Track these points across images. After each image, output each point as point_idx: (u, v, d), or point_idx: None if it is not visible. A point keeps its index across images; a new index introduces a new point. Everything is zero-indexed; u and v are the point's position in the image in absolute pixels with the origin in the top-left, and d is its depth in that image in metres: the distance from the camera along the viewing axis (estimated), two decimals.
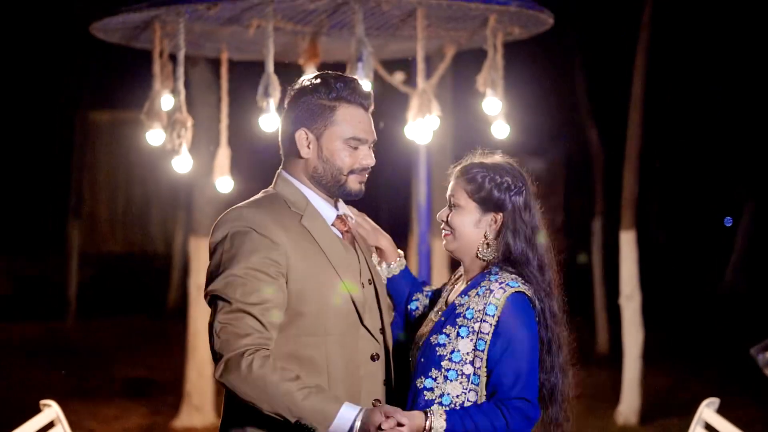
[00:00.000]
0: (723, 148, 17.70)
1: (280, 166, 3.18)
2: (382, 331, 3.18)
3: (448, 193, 3.34)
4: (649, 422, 8.53)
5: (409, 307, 3.54)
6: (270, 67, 5.44)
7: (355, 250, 3.17)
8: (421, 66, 5.73)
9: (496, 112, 6.02)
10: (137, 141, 6.36)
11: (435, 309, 3.38)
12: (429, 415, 3.02)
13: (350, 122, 3.04)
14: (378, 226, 3.48)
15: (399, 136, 6.04)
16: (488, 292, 3.17)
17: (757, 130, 16.32)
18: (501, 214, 3.26)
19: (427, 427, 3.00)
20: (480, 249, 3.27)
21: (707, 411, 5.05)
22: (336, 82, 3.04)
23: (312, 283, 2.98)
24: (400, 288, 3.55)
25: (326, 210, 3.11)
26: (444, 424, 3.01)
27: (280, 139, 3.16)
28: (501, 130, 6.15)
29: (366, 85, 3.11)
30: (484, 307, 3.15)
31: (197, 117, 10.15)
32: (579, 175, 16.01)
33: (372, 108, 3.13)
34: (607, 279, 10.94)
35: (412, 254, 8.47)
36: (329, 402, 2.85)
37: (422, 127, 5.67)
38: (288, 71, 7.14)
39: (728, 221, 19.90)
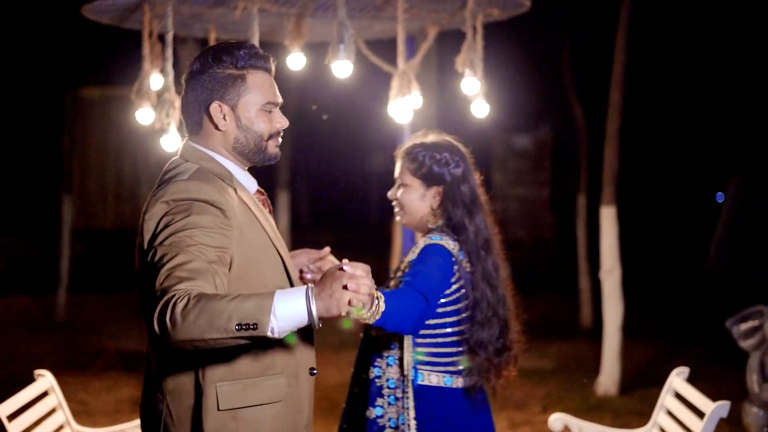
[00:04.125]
0: (710, 123, 17.70)
1: (185, 139, 3.04)
2: None
3: (396, 173, 3.70)
4: (629, 393, 8.58)
5: None
6: None
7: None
8: (401, 47, 5.76)
9: (475, 92, 6.05)
10: (128, 117, 6.34)
11: None
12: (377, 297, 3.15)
13: (261, 88, 2.96)
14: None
15: (386, 115, 6.05)
16: (415, 247, 3.57)
17: (743, 105, 16.33)
18: (442, 186, 3.62)
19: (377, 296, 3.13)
20: (429, 220, 3.65)
21: (677, 380, 5.17)
22: (239, 50, 2.94)
23: (259, 257, 2.89)
24: None
25: (247, 181, 3.03)
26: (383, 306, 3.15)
27: (184, 115, 3.01)
28: (481, 109, 6.17)
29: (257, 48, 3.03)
30: (406, 258, 3.58)
31: None
32: (566, 152, 16.02)
33: (273, 71, 3.04)
34: (592, 254, 10.94)
35: (397, 230, 8.59)
36: (260, 295, 2.56)
37: (403, 106, 5.75)
38: (274, 52, 7.22)
39: (720, 197, 19.93)
